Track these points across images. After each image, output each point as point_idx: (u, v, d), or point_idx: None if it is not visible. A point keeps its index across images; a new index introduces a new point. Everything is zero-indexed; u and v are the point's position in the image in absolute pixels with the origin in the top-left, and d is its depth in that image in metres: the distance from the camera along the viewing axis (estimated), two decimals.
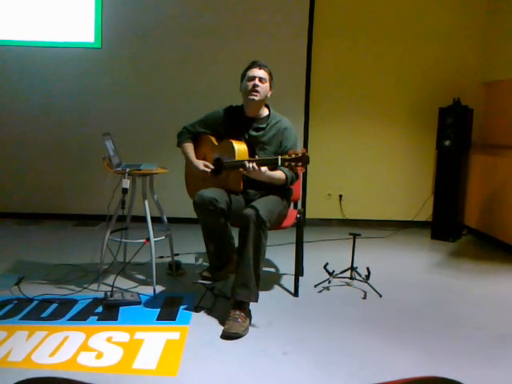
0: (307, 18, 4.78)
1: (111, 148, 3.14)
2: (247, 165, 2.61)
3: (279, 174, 2.77)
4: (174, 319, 2.69)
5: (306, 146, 4.82)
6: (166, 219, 3.30)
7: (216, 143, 2.98)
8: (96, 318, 2.67)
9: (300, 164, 2.54)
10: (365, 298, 3.09)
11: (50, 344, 2.35)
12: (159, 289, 3.12)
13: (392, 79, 4.95)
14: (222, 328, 2.53)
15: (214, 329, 2.57)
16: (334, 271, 3.28)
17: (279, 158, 2.58)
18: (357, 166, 5.05)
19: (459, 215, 4.75)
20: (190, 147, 3.04)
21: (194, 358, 2.27)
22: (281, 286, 3.28)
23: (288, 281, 3.33)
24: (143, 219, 3.08)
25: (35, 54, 4.79)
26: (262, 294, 2.72)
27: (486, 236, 4.59)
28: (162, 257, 3.68)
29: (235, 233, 2.77)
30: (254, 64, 2.89)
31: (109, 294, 2.87)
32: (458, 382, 1.23)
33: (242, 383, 2.09)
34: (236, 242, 2.77)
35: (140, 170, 3.07)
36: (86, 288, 3.06)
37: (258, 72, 2.86)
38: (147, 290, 3.07)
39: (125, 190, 2.93)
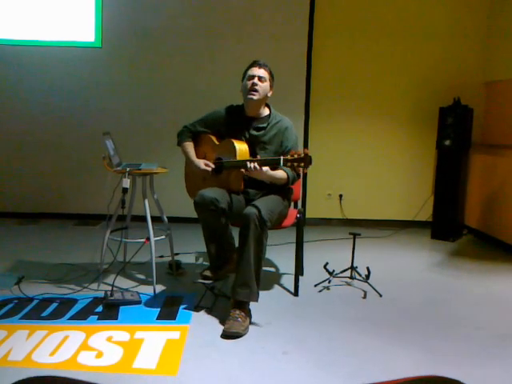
0: (307, 18, 4.77)
1: (111, 147, 3.14)
2: (248, 165, 2.61)
3: (281, 174, 2.77)
4: (174, 319, 2.69)
5: (306, 145, 4.82)
6: (166, 219, 3.30)
7: (217, 142, 2.98)
8: (96, 317, 2.67)
9: (303, 165, 2.53)
10: (365, 297, 3.09)
11: (50, 343, 2.35)
12: (159, 288, 3.12)
13: (392, 79, 4.95)
14: (222, 327, 2.52)
15: (214, 328, 2.57)
16: (334, 271, 3.28)
17: (281, 158, 2.57)
18: (357, 165, 5.05)
19: (459, 215, 4.74)
20: (190, 146, 3.03)
21: (194, 358, 2.27)
22: (281, 285, 3.28)
23: (288, 280, 3.33)
24: (143, 219, 3.09)
25: (35, 54, 4.79)
26: (262, 293, 2.72)
27: (486, 236, 4.59)
28: (162, 256, 3.68)
29: (235, 232, 2.77)
30: (254, 63, 2.89)
31: (109, 293, 2.87)
32: (458, 382, 1.22)
33: (242, 383, 2.09)
34: (236, 242, 2.77)
35: (140, 169, 3.07)
36: (86, 287, 3.06)
37: (258, 71, 2.85)
38: (147, 290, 3.07)
39: (125, 190, 2.93)
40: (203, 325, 2.62)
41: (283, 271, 3.58)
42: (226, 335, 2.47)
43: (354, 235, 3.24)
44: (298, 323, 2.69)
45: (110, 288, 2.93)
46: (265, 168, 2.64)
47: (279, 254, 3.91)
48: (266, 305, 2.85)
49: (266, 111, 2.96)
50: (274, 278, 3.41)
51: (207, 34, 4.79)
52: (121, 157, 3.27)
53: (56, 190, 4.95)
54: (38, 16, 4.75)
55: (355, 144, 5.02)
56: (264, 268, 2.73)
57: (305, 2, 4.77)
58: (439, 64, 4.90)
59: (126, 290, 3.05)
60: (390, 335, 2.58)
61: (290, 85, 4.70)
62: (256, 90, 2.83)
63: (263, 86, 2.85)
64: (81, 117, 4.87)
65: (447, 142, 4.57)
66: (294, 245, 3.17)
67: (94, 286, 3.09)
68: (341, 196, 5.09)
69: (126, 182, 2.95)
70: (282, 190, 2.89)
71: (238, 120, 2.95)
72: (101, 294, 2.95)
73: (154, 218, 3.13)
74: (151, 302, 2.90)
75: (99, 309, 2.77)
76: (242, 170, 2.68)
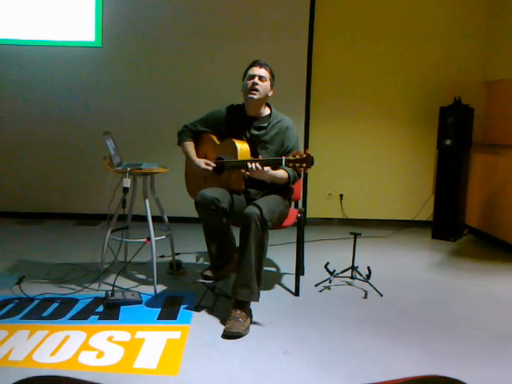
0: (308, 18, 4.77)
1: (112, 147, 3.14)
2: (250, 165, 2.61)
3: (282, 174, 2.77)
4: (175, 318, 2.69)
5: (306, 145, 4.82)
6: (166, 218, 3.30)
7: (218, 142, 2.98)
8: (97, 317, 2.67)
9: (305, 165, 2.53)
10: (365, 297, 3.09)
11: (51, 343, 2.35)
12: (160, 288, 3.12)
13: (392, 79, 4.95)
14: (222, 327, 2.53)
15: (214, 328, 2.57)
16: (334, 271, 3.28)
17: (283, 158, 2.56)
18: (357, 165, 5.05)
19: (460, 215, 4.74)
20: (190, 146, 3.03)
21: (195, 358, 2.27)
22: (282, 285, 3.28)
23: (289, 280, 3.33)
24: (144, 218, 3.09)
25: (35, 53, 4.79)
26: (262, 293, 2.72)
27: (486, 235, 4.59)
28: (162, 256, 3.69)
29: (236, 232, 2.77)
30: (254, 63, 2.89)
31: (110, 293, 2.87)
32: (458, 381, 1.22)
33: (243, 382, 2.09)
34: (237, 242, 2.77)
35: (141, 169, 3.08)
36: (86, 287, 3.06)
37: (259, 71, 2.86)
38: (148, 290, 3.07)
39: (125, 190, 2.93)
40: (204, 325, 2.62)
41: (284, 271, 3.58)
42: (227, 335, 2.47)
43: (355, 235, 3.24)
44: (298, 323, 2.70)
45: (110, 288, 2.94)
46: (266, 168, 2.64)
47: (280, 253, 3.91)
48: (266, 305, 2.85)
49: (266, 111, 2.96)
50: (275, 278, 3.41)
51: (207, 34, 4.78)
52: (121, 156, 3.27)
53: (56, 190, 4.95)
54: (38, 16, 4.75)
55: (356, 144, 5.02)
56: (265, 268, 2.73)
57: (305, 2, 4.77)
58: (439, 64, 4.90)
59: (127, 289, 3.05)
60: (391, 335, 2.58)
61: (290, 85, 4.70)
62: (256, 90, 2.82)
63: (264, 86, 2.85)
64: (81, 116, 4.87)
65: (448, 142, 4.57)
66: (295, 244, 3.17)
67: (95, 285, 3.10)
68: (341, 196, 5.09)
69: (127, 182, 2.95)
70: (283, 189, 2.89)
71: (238, 119, 2.95)
72: (101, 294, 2.95)
73: (154, 218, 3.13)
74: (152, 302, 2.90)
75: (100, 309, 2.77)
76: (243, 170, 2.68)
